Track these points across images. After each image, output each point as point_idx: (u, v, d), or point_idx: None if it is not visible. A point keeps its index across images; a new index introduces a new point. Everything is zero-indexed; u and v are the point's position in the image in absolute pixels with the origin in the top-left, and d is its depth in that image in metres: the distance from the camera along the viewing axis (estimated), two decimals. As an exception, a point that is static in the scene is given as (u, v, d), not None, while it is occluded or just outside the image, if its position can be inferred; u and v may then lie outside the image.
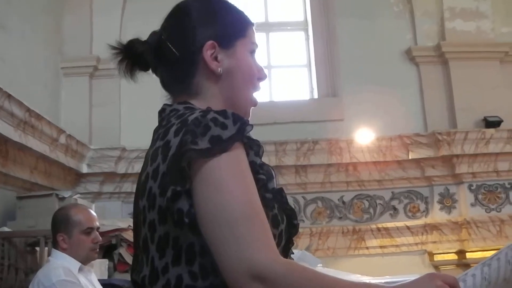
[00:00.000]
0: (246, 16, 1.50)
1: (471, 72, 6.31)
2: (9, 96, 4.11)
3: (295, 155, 6.10)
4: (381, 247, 6.14)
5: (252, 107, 1.47)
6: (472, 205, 6.14)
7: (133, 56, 1.45)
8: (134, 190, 5.19)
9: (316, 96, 6.63)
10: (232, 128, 1.19)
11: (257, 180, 1.23)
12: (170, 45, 1.40)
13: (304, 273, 1.13)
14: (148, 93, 6.41)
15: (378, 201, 6.28)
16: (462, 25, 6.52)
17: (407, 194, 6.32)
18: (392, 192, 6.32)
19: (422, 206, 6.30)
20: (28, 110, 4.44)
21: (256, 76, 1.46)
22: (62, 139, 5.16)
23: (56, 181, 5.29)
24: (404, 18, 6.71)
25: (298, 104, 6.53)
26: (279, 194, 1.32)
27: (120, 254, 4.73)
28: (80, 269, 3.09)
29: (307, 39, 6.83)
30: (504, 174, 6.21)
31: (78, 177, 5.88)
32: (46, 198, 4.41)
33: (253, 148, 1.27)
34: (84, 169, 5.88)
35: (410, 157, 6.18)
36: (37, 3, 5.52)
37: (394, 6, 6.75)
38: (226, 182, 1.15)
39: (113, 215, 5.73)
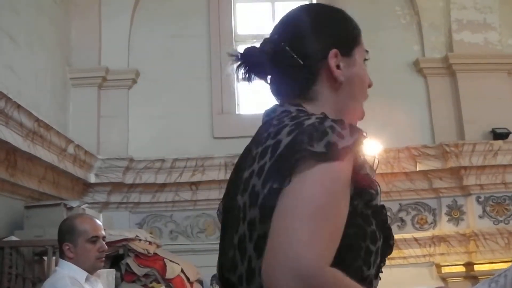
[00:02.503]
0: (356, 23, 1.49)
1: (478, 84, 6.31)
2: (18, 106, 4.13)
3: (302, 166, 6.09)
4: (388, 258, 5.98)
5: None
6: (480, 217, 6.12)
7: (250, 63, 1.44)
8: (141, 201, 5.22)
9: (323, 107, 6.61)
10: (349, 138, 1.17)
11: (364, 196, 1.23)
12: (292, 53, 1.38)
13: (349, 285, 1.10)
14: (155, 104, 6.47)
15: (385, 213, 6.26)
16: (469, 37, 6.53)
17: (414, 205, 6.31)
18: (400, 204, 6.30)
19: (430, 218, 6.28)
20: (37, 120, 4.46)
21: (367, 84, 1.47)
22: (71, 149, 5.18)
23: (64, 191, 5.31)
24: (412, 30, 6.73)
25: (305, 115, 6.52)
26: (381, 210, 1.31)
27: (127, 264, 4.75)
28: (86, 279, 3.09)
29: (315, 50, 6.83)
30: (513, 186, 6.19)
31: (86, 187, 5.90)
32: (54, 207, 4.43)
33: (367, 161, 1.26)
34: (92, 179, 5.90)
35: (417, 169, 6.17)
36: (45, 14, 5.56)
37: (401, 18, 6.77)
38: (319, 184, 1.12)
39: (120, 225, 5.75)
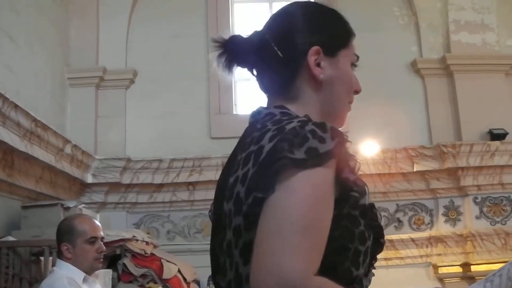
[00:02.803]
0: (350, 26, 1.49)
1: (476, 85, 6.32)
2: (15, 106, 4.13)
3: (300, 166, 6.09)
4: (385, 259, 6.11)
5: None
6: (477, 217, 6.13)
7: (233, 52, 1.42)
8: (138, 201, 5.19)
9: (321, 107, 6.61)
10: (330, 143, 1.16)
11: (348, 198, 1.22)
12: (274, 46, 1.37)
13: None
14: (153, 104, 6.46)
15: (382, 213, 6.26)
16: (467, 38, 6.53)
17: (411, 206, 6.31)
18: (397, 204, 6.31)
19: (427, 219, 6.29)
20: (35, 120, 4.46)
21: (353, 88, 1.45)
22: (68, 149, 5.17)
23: (61, 191, 5.31)
24: (410, 31, 6.74)
25: (303, 116, 6.52)
26: (370, 210, 1.29)
27: (124, 265, 4.74)
28: (84, 279, 3.09)
29: (313, 50, 6.83)
30: (509, 187, 6.19)
31: (83, 187, 5.89)
32: (51, 207, 4.43)
33: (349, 164, 1.24)
34: (89, 179, 5.89)
35: (415, 170, 6.17)
36: (44, 14, 5.56)
37: (399, 19, 6.77)
38: (301, 192, 1.12)
39: (117, 225, 5.74)
